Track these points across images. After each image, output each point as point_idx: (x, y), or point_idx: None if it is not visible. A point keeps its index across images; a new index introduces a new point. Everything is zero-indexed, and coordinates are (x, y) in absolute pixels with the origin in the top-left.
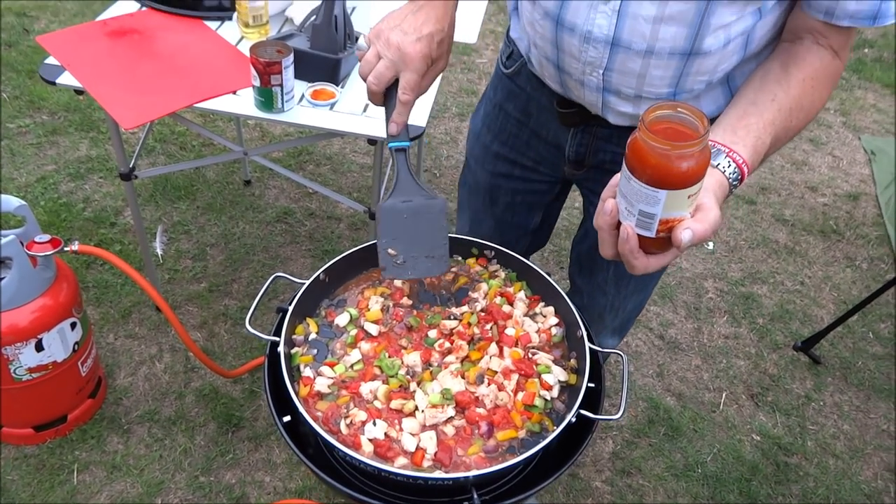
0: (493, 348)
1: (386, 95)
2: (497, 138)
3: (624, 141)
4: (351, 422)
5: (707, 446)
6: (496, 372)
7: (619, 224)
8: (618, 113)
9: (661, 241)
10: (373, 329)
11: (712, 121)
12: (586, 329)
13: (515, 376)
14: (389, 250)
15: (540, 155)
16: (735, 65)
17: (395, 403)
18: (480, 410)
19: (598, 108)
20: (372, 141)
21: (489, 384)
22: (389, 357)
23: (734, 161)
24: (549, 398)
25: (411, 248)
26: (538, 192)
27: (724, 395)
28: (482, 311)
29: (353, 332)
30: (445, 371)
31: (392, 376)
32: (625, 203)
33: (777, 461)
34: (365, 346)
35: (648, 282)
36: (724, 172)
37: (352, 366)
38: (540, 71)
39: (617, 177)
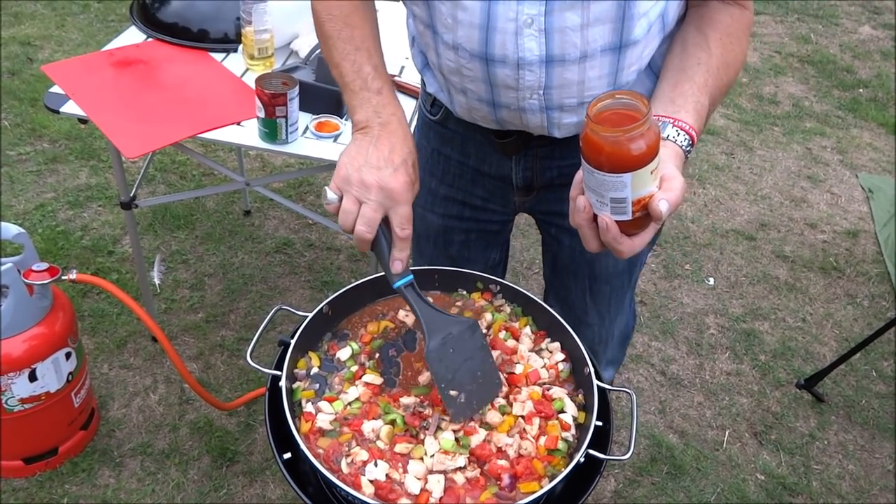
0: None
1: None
2: (443, 182)
3: (565, 152)
4: (352, 461)
5: (711, 486)
6: (517, 417)
7: (595, 217)
8: (563, 126)
9: (639, 220)
10: (373, 379)
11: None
12: (593, 366)
13: (537, 420)
14: (451, 392)
15: (488, 191)
16: (656, 48)
17: (399, 447)
18: (502, 462)
19: (543, 128)
20: None
21: (512, 434)
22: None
23: (682, 129)
24: (570, 439)
25: (465, 380)
26: (492, 231)
27: (727, 432)
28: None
29: (354, 368)
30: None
31: (392, 423)
32: (595, 196)
33: (782, 502)
34: (363, 387)
35: (625, 299)
36: (675, 142)
37: (350, 403)
38: (469, 116)
39: (580, 174)
